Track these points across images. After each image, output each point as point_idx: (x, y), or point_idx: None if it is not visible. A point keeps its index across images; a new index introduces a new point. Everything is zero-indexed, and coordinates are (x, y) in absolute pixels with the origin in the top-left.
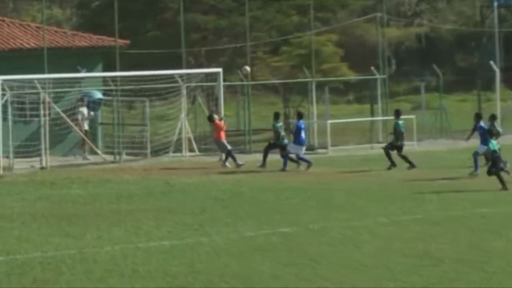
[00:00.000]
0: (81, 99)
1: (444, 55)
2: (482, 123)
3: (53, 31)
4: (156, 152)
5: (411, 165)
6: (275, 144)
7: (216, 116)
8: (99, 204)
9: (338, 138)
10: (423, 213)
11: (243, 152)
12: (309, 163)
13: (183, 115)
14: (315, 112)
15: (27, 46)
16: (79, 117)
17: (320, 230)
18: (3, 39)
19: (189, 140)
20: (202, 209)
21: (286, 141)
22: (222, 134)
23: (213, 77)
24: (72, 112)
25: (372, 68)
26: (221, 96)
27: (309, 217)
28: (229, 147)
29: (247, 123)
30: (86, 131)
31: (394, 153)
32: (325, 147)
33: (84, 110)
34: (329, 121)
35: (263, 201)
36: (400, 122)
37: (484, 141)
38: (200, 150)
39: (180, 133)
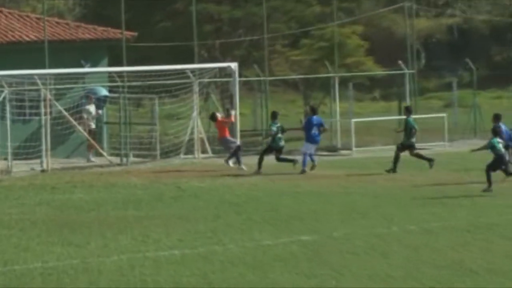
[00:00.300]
0: (88, 97)
1: (478, 49)
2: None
3: (55, 22)
4: (166, 154)
5: (430, 161)
6: (271, 147)
7: (218, 115)
8: (104, 210)
9: (362, 138)
10: (454, 220)
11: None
12: (304, 169)
13: (195, 113)
14: (338, 110)
15: (27, 39)
16: (85, 115)
17: (343, 238)
18: (0, 31)
19: (202, 140)
20: (215, 215)
21: (282, 143)
22: (227, 131)
23: (227, 72)
24: (75, 110)
25: (400, 62)
26: (236, 93)
27: (331, 224)
28: (238, 142)
29: (265, 122)
30: (93, 130)
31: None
32: (349, 148)
33: (91, 108)
34: (353, 120)
35: (281, 206)
36: (411, 119)
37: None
38: (213, 152)
39: (192, 133)
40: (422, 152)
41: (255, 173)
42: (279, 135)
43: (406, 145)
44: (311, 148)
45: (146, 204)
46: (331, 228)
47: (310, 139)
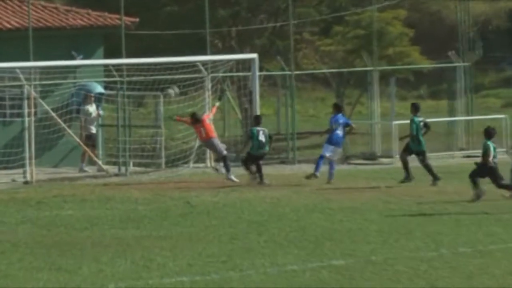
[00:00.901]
0: (87, 95)
1: None
2: None
3: (41, 6)
4: (172, 162)
5: (435, 178)
6: (252, 155)
7: (198, 114)
8: (99, 230)
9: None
10: None
11: (284, 162)
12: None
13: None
14: (377, 110)
15: (7, 25)
16: (83, 118)
17: (384, 262)
18: None
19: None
20: (231, 235)
21: (265, 149)
22: (214, 131)
23: (246, 65)
24: (64, 110)
25: (451, 53)
26: (256, 89)
27: (369, 246)
28: (224, 152)
29: (290, 125)
30: (93, 136)
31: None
32: (390, 156)
33: (91, 108)
34: (395, 122)
35: (310, 225)
36: (417, 119)
37: None
38: (229, 160)
39: None
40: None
41: (251, 180)
42: (261, 139)
43: (412, 151)
44: (330, 149)
45: (149, 222)
46: (369, 251)
47: (331, 139)
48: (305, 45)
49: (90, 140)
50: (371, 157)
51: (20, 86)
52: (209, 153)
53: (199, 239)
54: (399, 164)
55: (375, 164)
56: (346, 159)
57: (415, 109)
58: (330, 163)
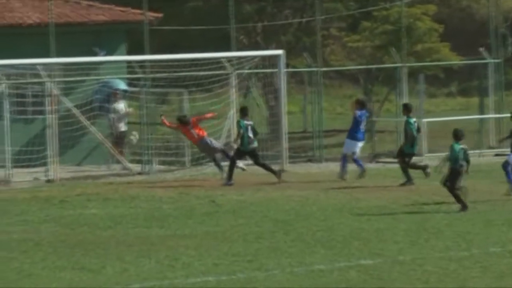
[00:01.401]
0: (115, 93)
1: None
2: None
3: (62, 1)
4: (197, 161)
5: (408, 181)
6: (240, 151)
7: (186, 117)
8: (123, 228)
9: (436, 141)
10: None
11: (311, 160)
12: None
13: (232, 111)
14: None
15: (28, 21)
16: (112, 116)
17: (412, 262)
18: None
19: None
20: (257, 235)
21: (255, 144)
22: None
23: (272, 61)
24: (88, 107)
25: (482, 49)
26: (282, 86)
27: (397, 246)
28: (221, 146)
29: (318, 123)
30: (123, 134)
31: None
32: (419, 154)
33: (119, 105)
34: (425, 120)
35: (337, 224)
36: (412, 120)
37: None
38: None
39: (228, 135)
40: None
41: (224, 184)
42: (250, 134)
43: (406, 153)
44: (353, 146)
45: (174, 221)
46: (397, 251)
47: (353, 135)
48: (332, 41)
49: (119, 139)
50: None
51: (42, 83)
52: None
53: (225, 238)
54: (428, 162)
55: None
56: (374, 157)
57: (407, 110)
58: (356, 160)
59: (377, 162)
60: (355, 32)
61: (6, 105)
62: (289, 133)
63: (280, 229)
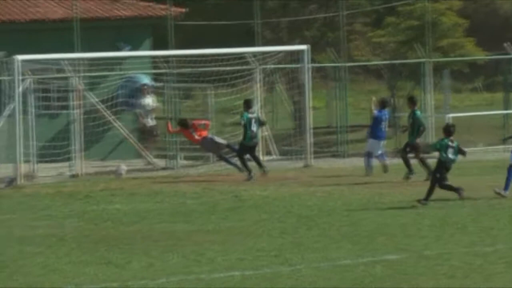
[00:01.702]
0: (143, 89)
1: None
2: None
3: None
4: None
5: (410, 172)
6: (244, 145)
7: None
8: (148, 224)
9: (461, 137)
10: None
11: (335, 155)
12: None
13: (257, 107)
14: (430, 103)
15: (53, 16)
16: (140, 111)
17: (438, 257)
18: (21, 8)
19: (266, 139)
20: (281, 230)
21: (256, 139)
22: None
23: (296, 57)
24: (112, 102)
25: (507, 44)
26: (307, 81)
27: (422, 241)
28: (223, 141)
29: (342, 118)
30: (154, 128)
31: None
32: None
33: (146, 101)
34: (450, 115)
35: (363, 219)
36: (418, 112)
37: None
38: (280, 153)
39: None
40: (428, 161)
41: (247, 179)
42: (254, 128)
43: (415, 146)
44: (376, 145)
45: (198, 216)
46: (423, 246)
47: (374, 134)
48: (356, 36)
49: (146, 134)
50: (424, 150)
51: (66, 78)
52: (259, 146)
53: (249, 233)
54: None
55: (428, 157)
56: (398, 152)
57: (414, 103)
58: (379, 156)
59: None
60: (379, 28)
61: (31, 100)
62: (313, 128)
63: (304, 224)
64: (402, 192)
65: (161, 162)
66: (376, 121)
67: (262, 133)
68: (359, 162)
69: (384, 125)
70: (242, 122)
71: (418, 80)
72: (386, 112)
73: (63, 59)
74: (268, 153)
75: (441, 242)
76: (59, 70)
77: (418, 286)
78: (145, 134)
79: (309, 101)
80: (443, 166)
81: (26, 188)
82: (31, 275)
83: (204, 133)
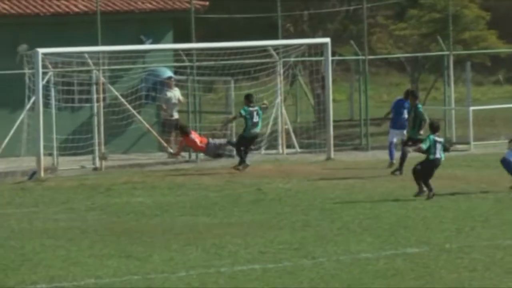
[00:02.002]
0: (167, 82)
1: None
2: None
3: None
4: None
5: (399, 170)
6: (243, 137)
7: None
8: (170, 217)
9: (483, 130)
10: None
11: (357, 148)
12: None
13: (279, 100)
14: (453, 95)
15: (75, 9)
16: (163, 105)
17: (459, 250)
18: (44, 1)
19: (287, 133)
20: (303, 223)
21: (257, 129)
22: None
23: (318, 49)
24: (134, 96)
25: None
26: (329, 74)
27: (444, 234)
28: (222, 140)
29: (364, 111)
30: (171, 121)
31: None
32: (466, 142)
33: (171, 93)
34: (472, 108)
35: (384, 212)
36: (420, 106)
37: None
38: (301, 146)
39: (275, 123)
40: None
41: (243, 168)
42: (256, 119)
43: (415, 140)
44: (396, 134)
45: (220, 209)
46: (444, 239)
47: (396, 123)
48: (379, 30)
49: (168, 126)
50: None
51: (89, 71)
52: (280, 139)
53: (271, 226)
54: (475, 151)
55: (450, 151)
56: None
57: (416, 97)
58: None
59: None
60: (401, 20)
61: (53, 94)
62: (335, 121)
63: (327, 217)
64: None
65: (183, 155)
66: (396, 110)
67: (285, 126)
68: (381, 155)
69: (406, 115)
70: (241, 115)
71: (441, 73)
72: (405, 101)
73: (85, 52)
74: (290, 146)
75: (462, 235)
76: (82, 63)
77: (439, 279)
78: (167, 127)
79: (330, 94)
80: (431, 165)
81: (48, 181)
82: (52, 268)
83: (204, 140)
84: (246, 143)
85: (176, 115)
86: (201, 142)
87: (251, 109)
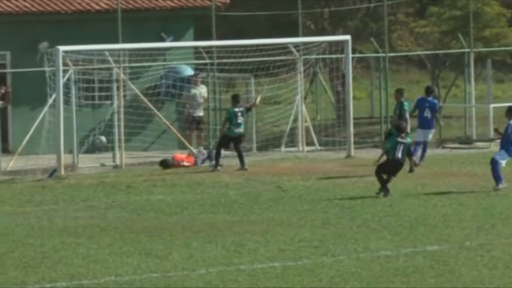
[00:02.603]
0: (193, 80)
1: None
2: None
3: None
4: (263, 146)
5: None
6: (227, 137)
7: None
8: (189, 214)
9: (503, 127)
10: None
11: (378, 146)
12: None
13: (299, 97)
14: (473, 92)
15: (96, 7)
16: (186, 101)
17: (480, 248)
18: None
19: (307, 130)
20: (323, 220)
21: (240, 129)
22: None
23: (339, 47)
24: (156, 93)
25: None
26: (349, 72)
27: (464, 231)
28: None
29: (384, 108)
30: (194, 118)
31: None
32: (487, 140)
33: (197, 90)
34: (492, 105)
35: (404, 210)
36: (406, 103)
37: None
38: (321, 144)
39: (295, 121)
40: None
41: (212, 170)
42: (240, 120)
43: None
44: (420, 135)
45: (240, 207)
46: (464, 236)
47: (419, 122)
48: (399, 27)
49: (194, 124)
50: (466, 141)
51: (109, 69)
52: (300, 137)
53: (291, 224)
54: (495, 148)
55: (470, 148)
56: (441, 143)
57: (401, 94)
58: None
59: (444, 148)
60: (422, 18)
61: (74, 91)
62: (355, 118)
63: (347, 214)
64: (444, 182)
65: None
66: (419, 109)
67: (305, 123)
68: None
69: (427, 113)
70: (226, 119)
71: (461, 70)
72: (428, 99)
73: (105, 50)
74: (310, 143)
75: (483, 233)
76: (102, 61)
77: (459, 276)
78: (189, 124)
79: (350, 91)
80: (389, 165)
81: (68, 179)
82: (72, 266)
83: (191, 159)
84: (228, 143)
85: (201, 113)
86: (188, 161)
87: (236, 109)
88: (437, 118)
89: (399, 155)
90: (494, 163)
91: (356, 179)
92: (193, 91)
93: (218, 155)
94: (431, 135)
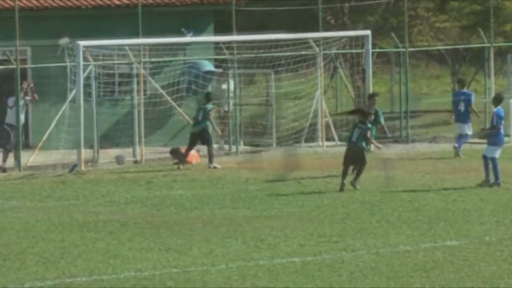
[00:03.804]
0: (221, 73)
1: None
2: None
3: None
4: (283, 141)
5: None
6: (190, 134)
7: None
8: (209, 209)
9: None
10: None
11: (397, 140)
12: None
13: (319, 92)
14: (493, 87)
15: (116, 2)
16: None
17: (499, 243)
18: None
19: (327, 125)
20: (343, 215)
21: (196, 128)
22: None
23: (359, 42)
24: (176, 88)
25: None
26: (369, 67)
27: (484, 226)
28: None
29: (404, 103)
30: (225, 113)
31: None
32: (507, 134)
33: (223, 85)
34: None
35: (424, 205)
36: (380, 111)
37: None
38: (341, 139)
39: (315, 116)
40: None
41: (176, 163)
42: (199, 118)
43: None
44: (461, 128)
45: (260, 202)
46: (484, 232)
47: (456, 116)
48: (419, 22)
49: (219, 118)
50: (486, 136)
51: (129, 64)
52: (320, 132)
53: (311, 219)
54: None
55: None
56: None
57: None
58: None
59: (464, 143)
60: (442, 12)
61: (94, 86)
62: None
63: (366, 210)
64: (464, 177)
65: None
66: (455, 103)
67: (325, 118)
68: (421, 147)
69: (462, 106)
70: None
71: (481, 65)
72: (462, 92)
73: (125, 45)
74: (329, 139)
75: (502, 227)
76: (123, 56)
77: (478, 272)
78: (217, 119)
79: (370, 86)
80: (347, 149)
81: (88, 174)
82: (92, 261)
83: (190, 158)
84: (191, 140)
85: (227, 108)
86: (196, 161)
87: (203, 106)
88: (474, 111)
89: (353, 138)
90: (493, 161)
91: (376, 174)
92: (223, 86)
93: (187, 150)
94: (468, 129)
